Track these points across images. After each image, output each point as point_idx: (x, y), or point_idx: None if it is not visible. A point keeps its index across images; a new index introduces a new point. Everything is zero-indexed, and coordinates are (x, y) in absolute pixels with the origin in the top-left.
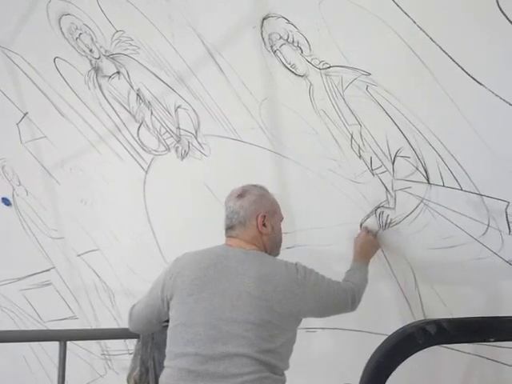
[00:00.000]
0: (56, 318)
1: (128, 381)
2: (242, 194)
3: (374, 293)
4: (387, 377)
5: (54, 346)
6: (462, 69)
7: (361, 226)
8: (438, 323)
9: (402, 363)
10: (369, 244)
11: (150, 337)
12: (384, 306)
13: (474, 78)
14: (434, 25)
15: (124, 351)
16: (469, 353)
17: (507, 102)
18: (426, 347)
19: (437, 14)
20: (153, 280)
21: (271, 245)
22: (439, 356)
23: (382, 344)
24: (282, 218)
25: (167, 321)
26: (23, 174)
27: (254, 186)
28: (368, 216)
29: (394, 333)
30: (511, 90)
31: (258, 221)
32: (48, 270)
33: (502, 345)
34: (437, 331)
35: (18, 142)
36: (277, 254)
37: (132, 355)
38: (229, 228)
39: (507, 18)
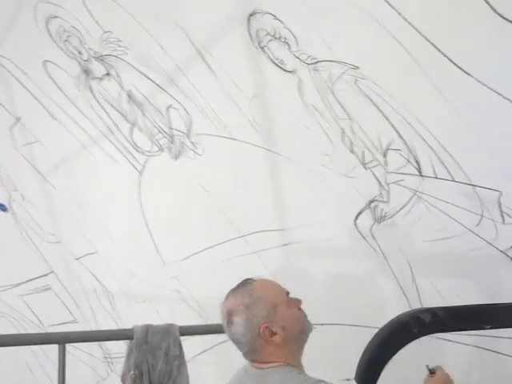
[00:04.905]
0: (57, 322)
1: (123, 381)
2: (228, 319)
3: (371, 287)
4: (382, 367)
5: (56, 350)
6: (449, 59)
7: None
8: (432, 311)
9: (402, 357)
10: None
11: (144, 340)
12: (382, 299)
13: (461, 68)
14: (419, 16)
15: None
16: (469, 344)
17: (495, 92)
18: (421, 336)
19: (422, 6)
20: (151, 282)
21: (291, 341)
22: (439, 348)
23: (376, 334)
24: (287, 300)
25: None
26: (19, 179)
27: (234, 294)
28: (362, 210)
29: (388, 322)
30: (499, 80)
31: (263, 337)
32: (47, 275)
33: (502, 335)
34: (431, 319)
35: (11, 147)
36: (303, 339)
37: (125, 355)
38: (244, 355)
39: (492, 8)
